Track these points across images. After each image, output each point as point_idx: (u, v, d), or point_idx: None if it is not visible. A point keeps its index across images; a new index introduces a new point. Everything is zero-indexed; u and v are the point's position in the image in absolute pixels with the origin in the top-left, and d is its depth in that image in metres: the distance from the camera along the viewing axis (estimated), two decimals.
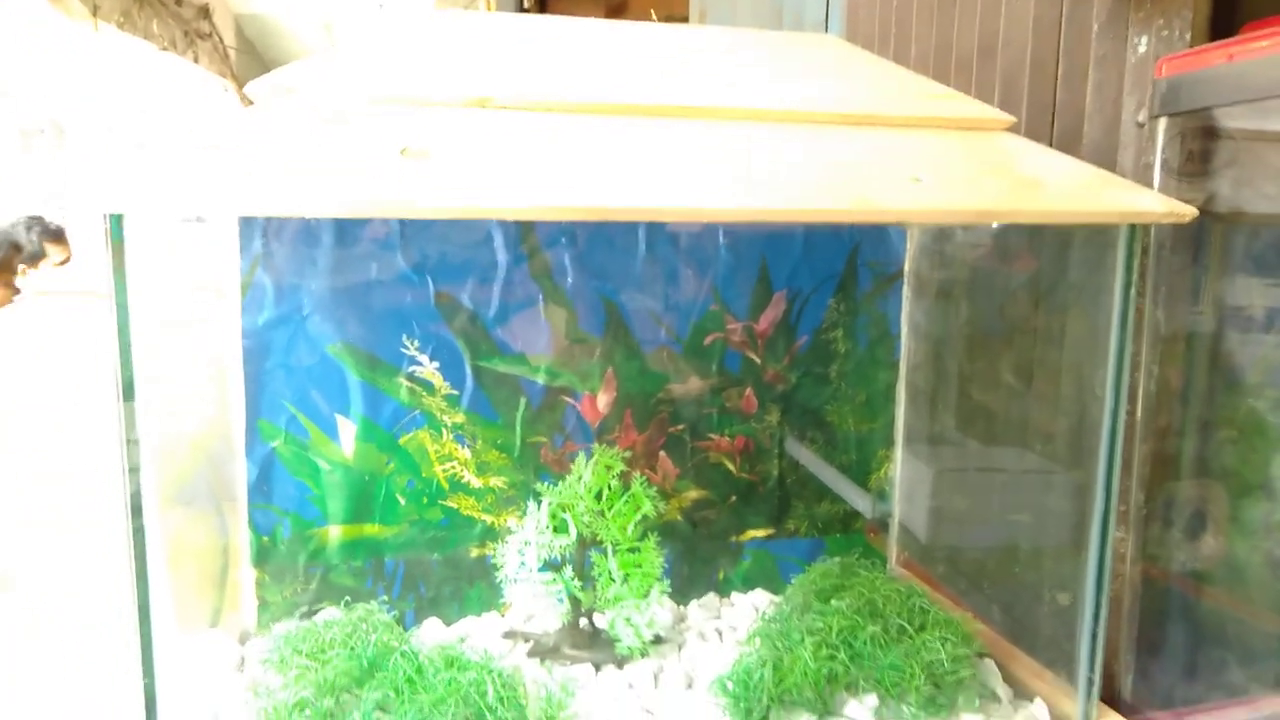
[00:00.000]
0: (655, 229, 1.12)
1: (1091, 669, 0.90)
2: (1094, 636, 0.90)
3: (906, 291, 1.22)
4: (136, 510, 0.69)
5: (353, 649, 0.88)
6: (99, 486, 1.35)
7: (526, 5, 3.07)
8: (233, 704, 0.88)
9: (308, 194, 0.62)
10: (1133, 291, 0.84)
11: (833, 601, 1.01)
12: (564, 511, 1.01)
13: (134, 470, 0.68)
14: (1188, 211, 0.80)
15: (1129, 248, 0.83)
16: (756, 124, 0.81)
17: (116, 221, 0.63)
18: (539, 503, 1.01)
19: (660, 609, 1.10)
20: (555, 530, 1.00)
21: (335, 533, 1.09)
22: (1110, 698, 0.95)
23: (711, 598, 1.20)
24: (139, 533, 0.69)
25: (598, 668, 1.00)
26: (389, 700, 0.82)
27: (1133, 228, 0.82)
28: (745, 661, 0.91)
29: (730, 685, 0.89)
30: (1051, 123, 1.02)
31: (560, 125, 0.76)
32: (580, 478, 1.02)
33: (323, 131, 0.70)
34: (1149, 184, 0.89)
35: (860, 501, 1.27)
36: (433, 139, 0.70)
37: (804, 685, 0.89)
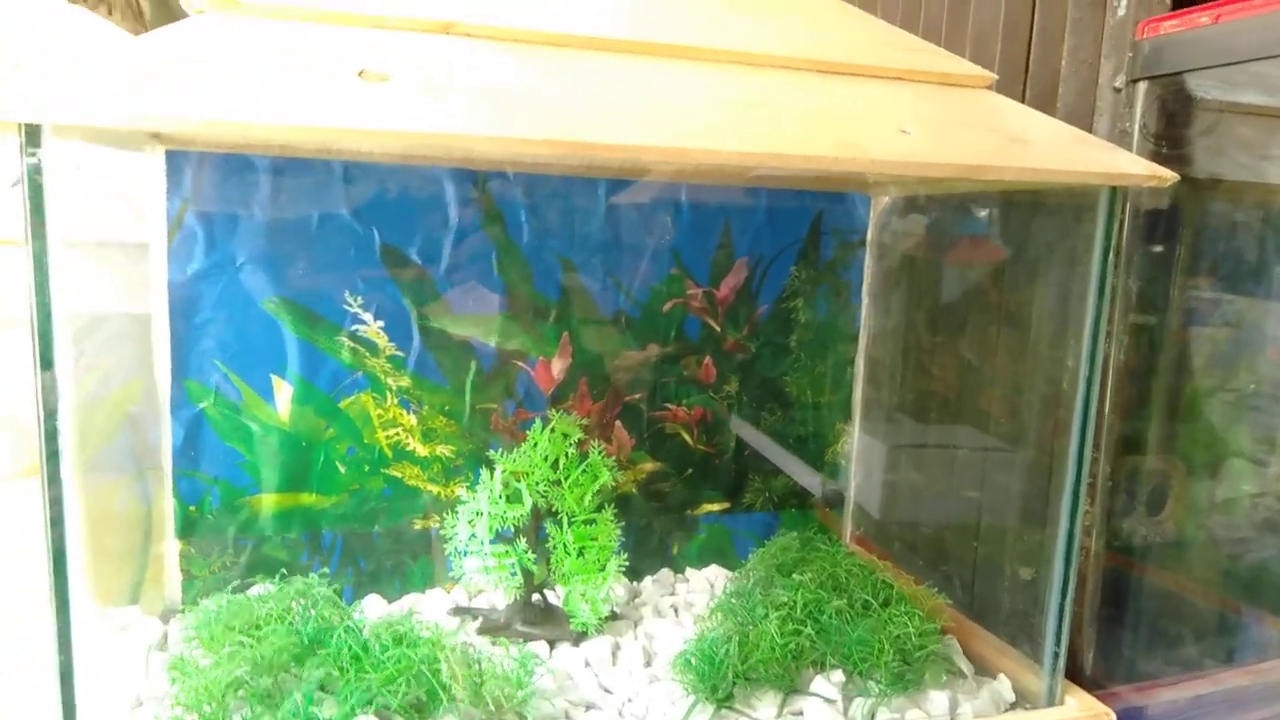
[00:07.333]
0: (616, 187, 1.07)
1: (1058, 644, 0.89)
2: (1061, 611, 0.88)
3: (868, 260, 1.19)
4: (54, 480, 0.61)
5: (290, 624, 0.81)
6: None
7: None
8: (156, 684, 0.81)
9: (260, 106, 0.56)
10: (1110, 257, 0.83)
11: (794, 576, 0.99)
12: (518, 481, 0.95)
13: (52, 440, 0.60)
14: (1168, 175, 0.78)
15: (1110, 210, 0.81)
16: (738, 68, 0.77)
17: (32, 135, 0.54)
18: (491, 471, 0.95)
19: (615, 585, 1.05)
20: (509, 500, 0.95)
21: (268, 502, 1.01)
22: (1073, 672, 0.93)
23: (665, 573, 1.16)
24: (56, 504, 0.61)
25: (552, 645, 0.95)
26: (332, 679, 0.76)
27: (1113, 190, 0.80)
28: (709, 637, 0.87)
29: (694, 661, 0.85)
30: (1024, 88, 1.00)
31: (530, 57, 0.70)
32: (536, 445, 0.96)
33: (274, 47, 0.63)
34: (1127, 149, 0.88)
35: (810, 480, 1.24)
36: (393, 63, 0.64)
37: (770, 661, 0.86)
